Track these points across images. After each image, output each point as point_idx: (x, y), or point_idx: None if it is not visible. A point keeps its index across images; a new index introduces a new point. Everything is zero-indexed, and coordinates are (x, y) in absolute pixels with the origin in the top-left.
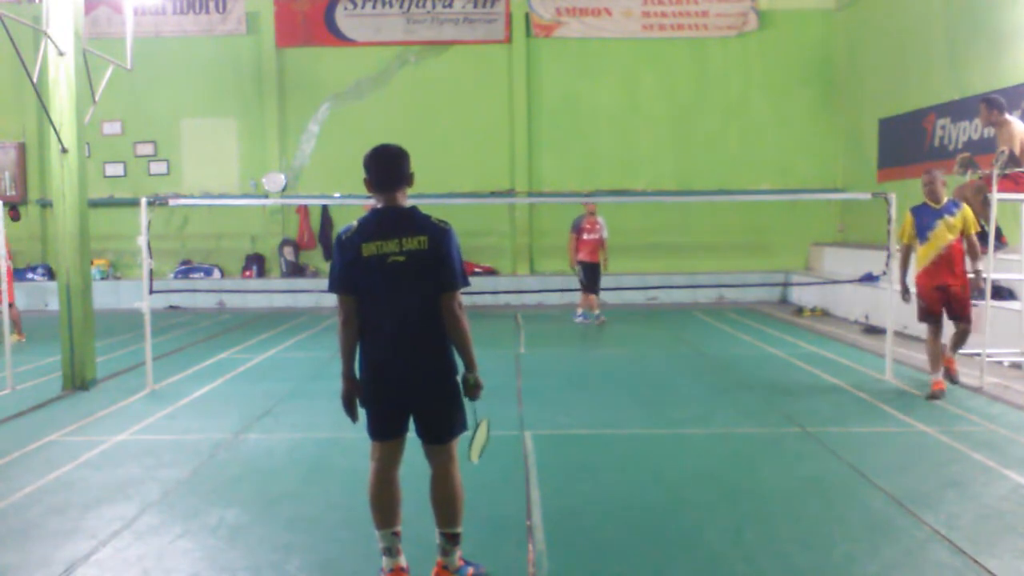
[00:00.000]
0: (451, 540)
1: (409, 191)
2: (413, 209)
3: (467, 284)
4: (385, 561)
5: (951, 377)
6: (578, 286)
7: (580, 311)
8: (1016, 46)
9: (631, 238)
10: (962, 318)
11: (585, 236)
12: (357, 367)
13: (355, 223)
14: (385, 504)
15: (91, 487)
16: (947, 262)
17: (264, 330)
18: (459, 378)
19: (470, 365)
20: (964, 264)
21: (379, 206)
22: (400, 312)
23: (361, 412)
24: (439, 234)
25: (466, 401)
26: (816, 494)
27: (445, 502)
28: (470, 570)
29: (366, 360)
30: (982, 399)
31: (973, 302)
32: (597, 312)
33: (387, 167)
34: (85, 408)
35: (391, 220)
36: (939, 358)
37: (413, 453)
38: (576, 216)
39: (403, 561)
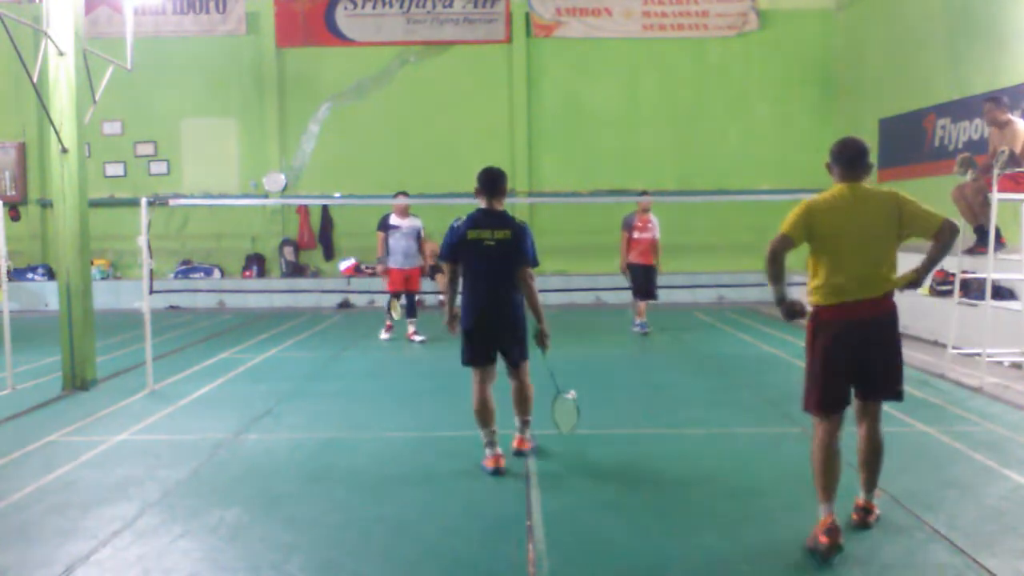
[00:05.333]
0: (526, 423)
1: (411, 191)
2: (504, 211)
3: (537, 264)
4: (488, 451)
5: (864, 523)
6: (582, 287)
7: (637, 320)
8: (1016, 46)
9: None
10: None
11: (636, 235)
12: (460, 315)
13: (464, 217)
14: (486, 411)
15: (91, 487)
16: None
17: (264, 330)
18: (527, 327)
19: (540, 319)
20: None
21: (482, 206)
22: (490, 280)
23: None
24: (519, 230)
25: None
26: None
27: (524, 400)
28: (535, 443)
29: (467, 311)
30: (982, 399)
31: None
32: (643, 320)
33: (495, 182)
34: (85, 408)
35: (489, 217)
36: (835, 473)
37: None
38: (627, 213)
39: (499, 450)
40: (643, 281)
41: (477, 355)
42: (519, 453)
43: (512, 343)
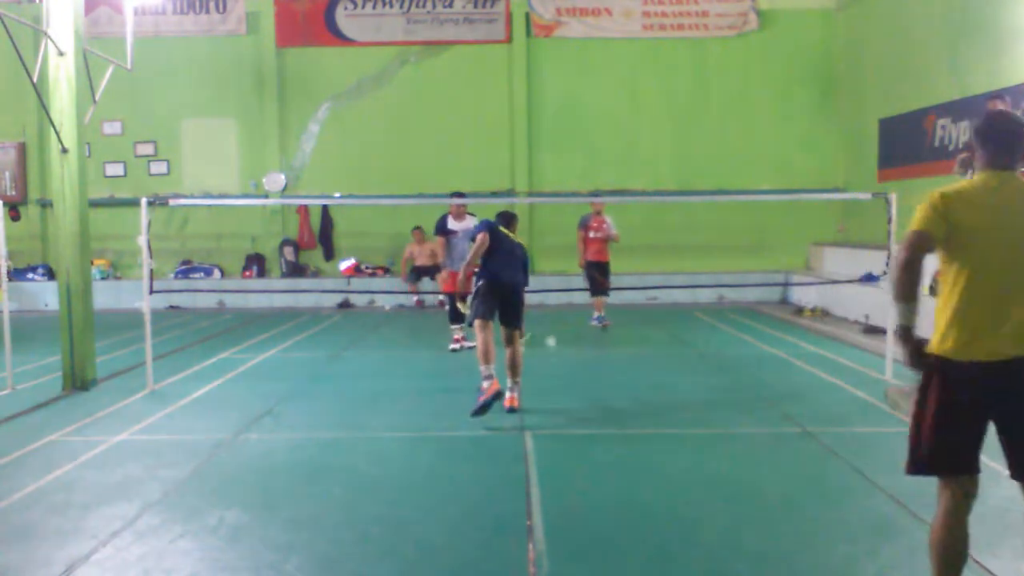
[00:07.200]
0: (517, 383)
1: (409, 191)
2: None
3: (528, 284)
4: (486, 382)
5: None
6: (582, 287)
7: (595, 315)
8: (1016, 46)
9: (631, 238)
10: None
11: (592, 235)
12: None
13: (496, 217)
14: (489, 351)
15: (91, 487)
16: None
17: (264, 330)
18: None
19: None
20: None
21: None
22: (509, 261)
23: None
24: (526, 249)
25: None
26: (816, 494)
27: (515, 364)
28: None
29: (490, 277)
30: None
31: None
32: (601, 315)
33: (511, 219)
34: (85, 408)
35: (511, 228)
36: (959, 558)
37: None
38: (583, 214)
39: (497, 381)
40: (601, 277)
41: (487, 311)
42: (511, 411)
43: (514, 312)
